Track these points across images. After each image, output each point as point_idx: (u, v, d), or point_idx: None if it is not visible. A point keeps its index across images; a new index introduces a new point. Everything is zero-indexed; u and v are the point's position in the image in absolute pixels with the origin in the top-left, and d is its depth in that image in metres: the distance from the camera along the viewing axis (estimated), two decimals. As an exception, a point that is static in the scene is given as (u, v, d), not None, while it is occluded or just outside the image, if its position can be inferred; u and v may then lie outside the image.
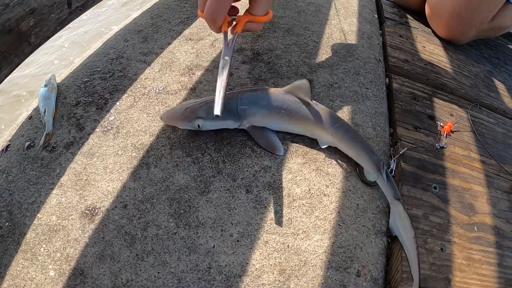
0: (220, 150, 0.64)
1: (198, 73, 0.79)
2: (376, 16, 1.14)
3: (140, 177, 0.60)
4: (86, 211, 0.57)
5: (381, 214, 0.60)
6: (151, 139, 0.65)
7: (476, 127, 0.83)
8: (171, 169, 0.61)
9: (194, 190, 0.59)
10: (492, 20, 1.07)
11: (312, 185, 0.61)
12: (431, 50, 1.04)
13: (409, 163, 0.69)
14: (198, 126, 0.61)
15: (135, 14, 0.94)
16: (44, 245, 0.54)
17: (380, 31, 1.06)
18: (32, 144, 0.67)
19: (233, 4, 0.60)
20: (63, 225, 0.56)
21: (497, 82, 1.04)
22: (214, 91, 0.55)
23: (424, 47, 1.04)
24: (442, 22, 1.09)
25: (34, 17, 0.79)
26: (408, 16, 1.21)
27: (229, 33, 0.61)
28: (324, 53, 0.87)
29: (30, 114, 0.74)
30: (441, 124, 0.79)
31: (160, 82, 0.75)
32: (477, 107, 0.89)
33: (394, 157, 0.69)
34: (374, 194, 0.62)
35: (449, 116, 0.83)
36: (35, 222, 0.57)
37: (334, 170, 0.64)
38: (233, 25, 0.63)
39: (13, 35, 0.76)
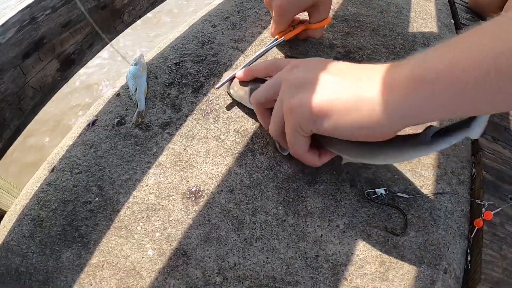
0: (326, 143, 0.63)
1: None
2: (453, 21, 1.11)
3: (246, 163, 0.59)
4: (189, 192, 0.56)
5: (465, 217, 0.59)
6: (254, 126, 0.64)
7: None
8: (277, 158, 0.60)
9: (301, 180, 0.58)
10: None
11: (408, 185, 0.60)
12: None
13: (490, 172, 0.68)
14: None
15: (218, 0, 0.93)
16: (141, 224, 0.54)
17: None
18: (122, 121, 0.67)
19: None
20: (163, 205, 0.55)
21: None
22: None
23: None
24: None
25: (128, -5, 0.79)
26: (482, 22, 1.18)
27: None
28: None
29: (118, 92, 0.73)
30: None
31: (258, 70, 0.74)
32: None
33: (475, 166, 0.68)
34: (459, 199, 0.61)
35: None
36: (130, 199, 0.56)
37: (427, 172, 0.63)
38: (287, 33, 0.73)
39: (108, 12, 0.76)
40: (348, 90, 0.39)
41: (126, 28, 0.79)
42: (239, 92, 0.64)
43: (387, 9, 1.01)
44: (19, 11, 0.59)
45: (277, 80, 0.48)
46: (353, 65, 0.44)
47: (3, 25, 0.57)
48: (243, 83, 0.63)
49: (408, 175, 0.61)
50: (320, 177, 0.59)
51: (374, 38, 0.88)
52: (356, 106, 0.37)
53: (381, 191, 0.58)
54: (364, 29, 0.91)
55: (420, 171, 0.63)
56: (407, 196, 0.58)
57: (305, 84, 0.43)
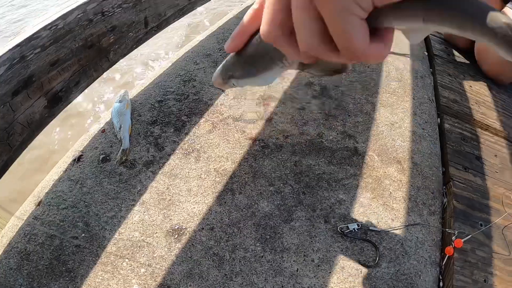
0: (300, 182, 0.67)
1: (272, 104, 0.82)
2: (426, 53, 1.19)
3: (225, 202, 0.63)
4: (172, 230, 0.60)
5: (436, 246, 0.65)
6: (233, 166, 0.68)
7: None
8: (255, 197, 0.64)
9: (278, 217, 0.62)
10: None
11: (380, 218, 0.65)
12: (477, 90, 1.08)
13: (460, 202, 0.73)
14: (233, 84, 0.45)
15: (200, 37, 0.98)
16: (127, 260, 0.57)
17: (430, 69, 1.11)
18: (107, 157, 0.71)
19: None
20: (147, 242, 0.59)
21: None
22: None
23: (471, 86, 1.08)
24: (491, 65, 1.14)
25: (114, 34, 0.82)
26: (455, 53, 1.26)
27: None
28: (384, 92, 0.91)
29: (102, 128, 0.77)
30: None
31: (237, 110, 0.79)
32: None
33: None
34: (430, 229, 0.66)
35: (493, 157, 0.87)
36: (116, 236, 0.60)
37: (398, 206, 0.68)
38: None
39: (94, 51, 0.80)
40: None
41: (111, 67, 0.83)
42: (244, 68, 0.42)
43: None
44: (9, 50, 0.62)
45: None
46: None
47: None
48: (239, 57, 0.41)
49: (380, 209, 0.66)
50: (296, 214, 0.63)
51: (350, 75, 0.94)
52: None
53: (354, 226, 0.63)
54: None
55: (392, 204, 0.68)
56: (378, 230, 0.63)
57: None
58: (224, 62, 0.42)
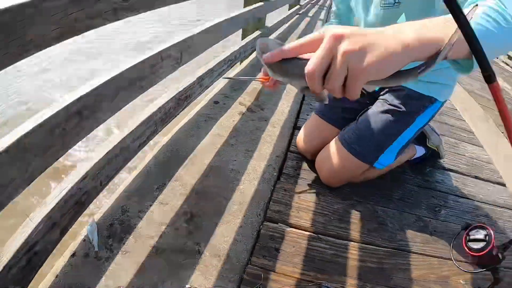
0: None
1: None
2: (276, 174, 1.71)
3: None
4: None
5: None
6: None
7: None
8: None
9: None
10: (361, 174, 1.62)
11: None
12: (304, 197, 1.57)
13: None
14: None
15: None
16: None
17: (272, 187, 1.62)
18: None
19: None
20: None
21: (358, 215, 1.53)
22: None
23: (299, 196, 1.57)
24: (325, 173, 1.65)
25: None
26: (303, 167, 1.78)
27: None
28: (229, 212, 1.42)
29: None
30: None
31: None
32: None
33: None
34: None
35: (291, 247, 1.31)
36: None
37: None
38: None
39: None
40: (392, 40, 0.56)
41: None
42: (282, 71, 0.64)
43: (228, 175, 1.62)
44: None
45: (329, 51, 0.55)
46: (377, 29, 0.59)
47: None
48: (280, 64, 0.63)
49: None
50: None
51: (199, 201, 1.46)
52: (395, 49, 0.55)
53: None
54: (199, 193, 1.50)
55: None
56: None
57: (368, 48, 0.55)
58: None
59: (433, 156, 2.02)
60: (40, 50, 0.88)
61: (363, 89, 0.59)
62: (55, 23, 0.88)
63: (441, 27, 0.60)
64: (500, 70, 6.44)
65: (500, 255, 1.06)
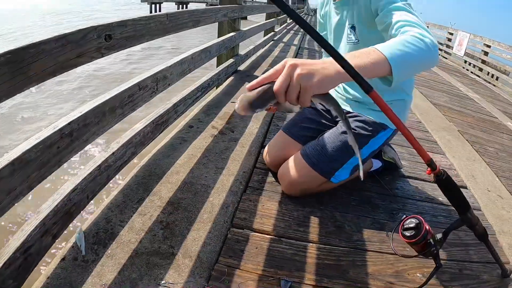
0: None
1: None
2: (242, 187, 1.92)
3: None
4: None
5: None
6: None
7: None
8: None
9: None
10: (319, 186, 1.84)
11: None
12: (268, 206, 1.78)
13: None
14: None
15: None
16: None
17: (239, 199, 1.83)
18: None
19: None
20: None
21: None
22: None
23: (263, 205, 1.78)
24: (286, 185, 1.86)
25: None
26: (268, 180, 2.00)
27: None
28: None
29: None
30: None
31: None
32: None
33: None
34: None
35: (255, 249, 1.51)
36: None
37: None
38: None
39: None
40: (329, 68, 0.83)
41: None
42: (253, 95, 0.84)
43: (200, 190, 1.82)
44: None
45: (288, 75, 0.81)
46: (322, 60, 0.89)
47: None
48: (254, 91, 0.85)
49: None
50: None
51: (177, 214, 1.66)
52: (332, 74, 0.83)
53: None
54: (176, 205, 1.69)
55: None
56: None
57: (313, 72, 0.81)
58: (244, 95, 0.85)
59: (391, 168, 2.22)
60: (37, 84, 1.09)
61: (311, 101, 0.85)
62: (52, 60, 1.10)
63: (363, 57, 0.91)
64: (471, 82, 7.41)
65: (432, 241, 1.25)
